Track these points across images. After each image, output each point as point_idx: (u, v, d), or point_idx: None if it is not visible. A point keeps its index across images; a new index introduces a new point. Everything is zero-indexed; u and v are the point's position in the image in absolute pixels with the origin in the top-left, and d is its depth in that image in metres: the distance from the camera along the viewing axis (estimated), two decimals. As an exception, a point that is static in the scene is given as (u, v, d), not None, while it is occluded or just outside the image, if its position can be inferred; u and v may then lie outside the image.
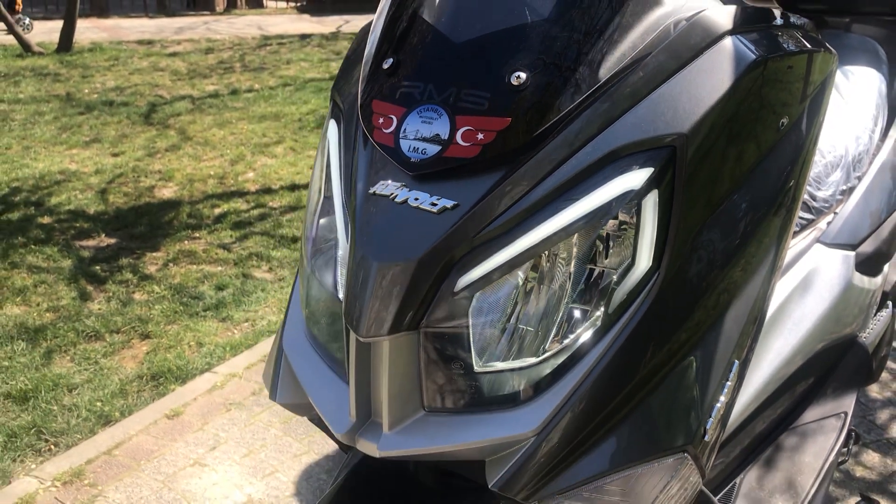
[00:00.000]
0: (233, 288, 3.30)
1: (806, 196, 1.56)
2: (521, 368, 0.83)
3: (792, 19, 1.04)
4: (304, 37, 11.27)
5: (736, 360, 0.91)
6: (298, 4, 16.18)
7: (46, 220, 4.09)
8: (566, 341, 0.83)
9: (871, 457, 2.24)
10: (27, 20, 11.46)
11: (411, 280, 0.80)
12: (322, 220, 0.98)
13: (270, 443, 2.28)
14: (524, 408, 0.82)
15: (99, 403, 2.50)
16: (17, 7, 11.86)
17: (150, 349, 2.85)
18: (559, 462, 0.82)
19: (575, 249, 0.82)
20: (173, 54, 9.57)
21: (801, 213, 1.55)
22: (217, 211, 4.23)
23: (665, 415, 0.85)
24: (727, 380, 0.90)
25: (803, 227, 1.57)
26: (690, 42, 0.84)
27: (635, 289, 0.82)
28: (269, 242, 3.79)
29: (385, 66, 0.89)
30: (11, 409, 2.49)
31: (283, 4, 16.19)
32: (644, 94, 0.82)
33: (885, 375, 2.65)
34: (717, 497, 1.45)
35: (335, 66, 8.74)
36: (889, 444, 2.30)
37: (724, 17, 0.87)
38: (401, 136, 0.84)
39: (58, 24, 10.14)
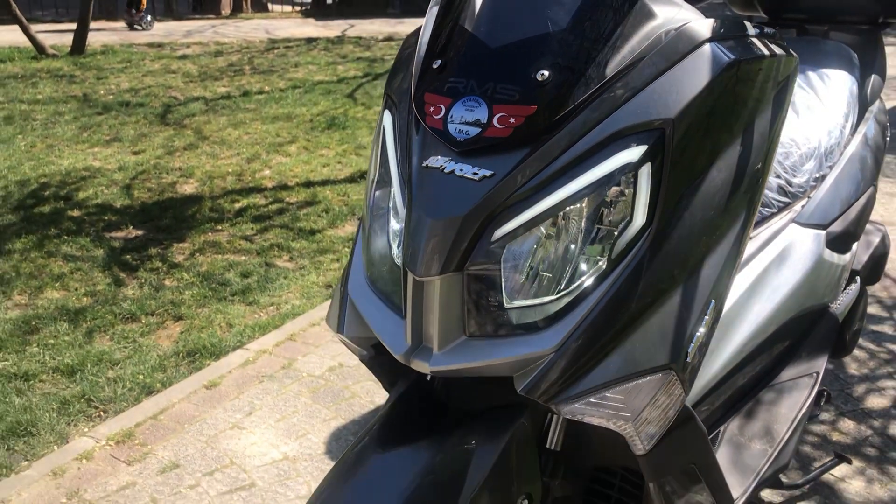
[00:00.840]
0: (257, 275, 3.53)
1: (782, 181, 1.79)
2: (541, 304, 1.06)
3: (765, 29, 1.27)
4: (310, 40, 11.51)
5: (713, 300, 1.14)
6: (303, 8, 16.43)
7: (76, 213, 4.32)
8: (576, 283, 1.05)
9: (847, 424, 2.47)
10: (149, 17, 11.98)
11: (458, 232, 1.03)
12: (378, 192, 1.21)
13: (301, 409, 2.50)
14: (543, 333, 1.05)
15: (140, 376, 2.72)
16: (141, 6, 12.32)
17: (183, 329, 3.07)
18: (572, 374, 1.04)
19: (585, 210, 1.05)
20: (183, 57, 9.80)
21: (778, 197, 1.78)
22: (237, 205, 4.46)
23: (655, 339, 1.08)
24: (705, 314, 1.13)
25: (780, 209, 1.80)
26: (677, 47, 1.07)
27: (632, 241, 1.05)
28: (288, 234, 4.02)
29: (435, 66, 1.12)
30: (61, 381, 2.72)
31: (288, 8, 16.43)
32: (640, 88, 1.05)
33: (861, 354, 2.88)
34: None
35: (342, 70, 8.98)
36: (863, 413, 2.53)
37: (704, 28, 1.10)
38: (448, 120, 1.06)
39: (67, 27, 10.39)
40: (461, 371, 1.09)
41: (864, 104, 2.10)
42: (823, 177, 1.89)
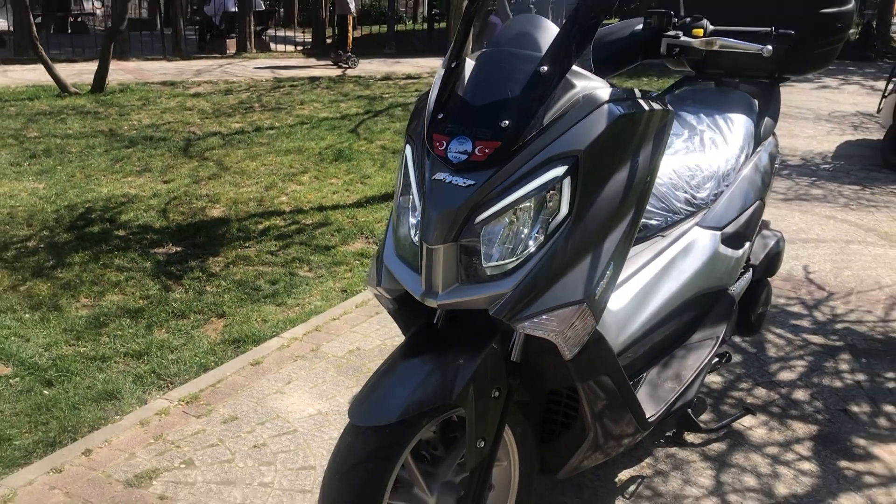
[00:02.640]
0: (283, 282, 4.20)
1: (688, 196, 2.48)
2: (501, 264, 1.73)
3: (649, 93, 1.95)
4: (312, 79, 12.27)
5: (612, 263, 1.81)
6: (303, 48, 17.23)
7: (122, 232, 4.99)
8: (525, 251, 1.73)
9: (760, 391, 3.14)
10: (354, 56, 13.27)
11: (453, 218, 1.70)
12: (402, 197, 1.88)
13: (329, 380, 3.16)
14: (505, 280, 1.72)
15: (196, 358, 3.38)
16: (347, 46, 13.53)
17: (226, 324, 3.73)
18: (522, 304, 1.71)
19: (532, 206, 1.73)
20: (196, 95, 10.53)
21: (685, 207, 2.47)
22: (260, 226, 5.14)
23: (574, 284, 1.75)
24: (607, 271, 1.80)
25: (687, 216, 2.49)
26: (587, 106, 1.76)
27: (559, 224, 1.73)
28: (307, 250, 4.69)
29: (439, 117, 1.80)
30: (132, 362, 3.37)
31: (291, 48, 17.23)
32: (564, 131, 1.73)
33: (779, 340, 3.55)
34: (631, 383, 2.32)
35: (345, 107, 9.71)
36: (774, 383, 3.20)
37: (605, 93, 1.78)
38: (448, 151, 1.74)
39: (84, 66, 11.10)
40: (456, 304, 1.76)
41: (758, 139, 2.79)
42: (721, 193, 2.58)
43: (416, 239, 1.81)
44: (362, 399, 1.81)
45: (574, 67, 1.79)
